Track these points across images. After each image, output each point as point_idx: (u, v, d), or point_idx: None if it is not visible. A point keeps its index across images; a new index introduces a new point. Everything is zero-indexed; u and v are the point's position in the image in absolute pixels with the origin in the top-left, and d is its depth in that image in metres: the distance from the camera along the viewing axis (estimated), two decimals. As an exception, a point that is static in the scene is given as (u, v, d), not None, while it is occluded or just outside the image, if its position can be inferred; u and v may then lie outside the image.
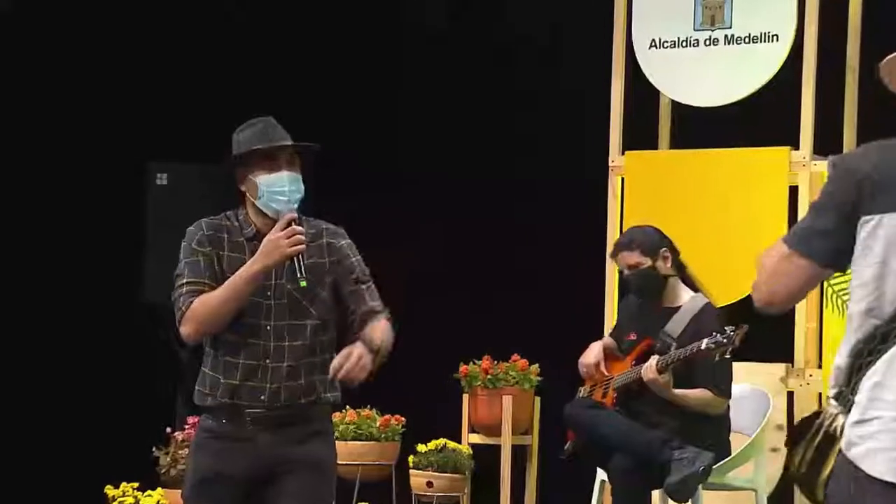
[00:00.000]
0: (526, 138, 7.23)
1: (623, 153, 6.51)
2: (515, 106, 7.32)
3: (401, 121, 7.51)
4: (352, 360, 3.70)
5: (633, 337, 5.54)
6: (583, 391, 5.63)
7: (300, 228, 3.79)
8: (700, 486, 5.30)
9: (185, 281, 3.82)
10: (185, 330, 3.80)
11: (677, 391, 5.35)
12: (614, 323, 5.87)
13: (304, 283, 3.76)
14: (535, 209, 7.24)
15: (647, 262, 5.45)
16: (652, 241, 5.47)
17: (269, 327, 3.82)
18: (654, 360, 5.33)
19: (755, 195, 6.22)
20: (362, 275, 3.90)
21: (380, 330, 3.81)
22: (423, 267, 7.18)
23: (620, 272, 5.63)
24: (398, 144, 7.50)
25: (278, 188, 3.80)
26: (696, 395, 5.36)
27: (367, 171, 7.32)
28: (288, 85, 7.42)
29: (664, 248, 5.47)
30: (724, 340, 5.20)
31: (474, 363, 6.47)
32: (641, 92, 6.51)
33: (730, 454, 5.46)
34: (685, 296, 5.48)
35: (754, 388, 5.75)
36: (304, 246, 3.77)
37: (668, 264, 5.48)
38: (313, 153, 3.91)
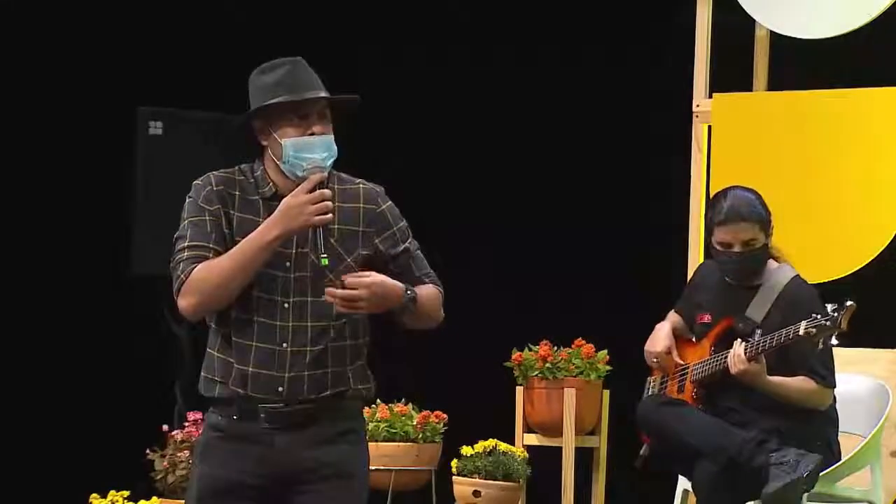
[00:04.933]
0: (591, 87, 7.26)
1: (710, 96, 6.46)
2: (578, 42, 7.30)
3: (443, 96, 7.56)
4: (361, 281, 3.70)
5: (706, 319, 5.48)
6: (652, 383, 5.60)
7: (328, 193, 3.76)
8: (804, 497, 5.20)
9: (186, 244, 3.79)
10: (184, 303, 3.77)
11: (774, 379, 5.27)
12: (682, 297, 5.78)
13: (325, 262, 3.73)
14: (599, 165, 7.22)
15: (762, 239, 5.36)
16: (766, 212, 5.35)
17: (287, 304, 3.79)
18: (740, 345, 5.23)
19: (871, 146, 6.16)
20: (408, 243, 3.88)
21: (425, 290, 3.83)
22: (467, 238, 7.22)
23: (720, 248, 5.42)
24: (441, 114, 7.51)
25: (307, 154, 3.77)
26: (798, 384, 5.29)
27: (412, 129, 7.41)
28: (302, 14, 7.39)
29: (772, 224, 5.38)
30: (826, 323, 5.09)
31: (530, 349, 6.45)
32: (732, 21, 6.45)
33: (840, 458, 5.40)
34: (768, 268, 5.40)
35: (869, 378, 5.71)
36: (330, 216, 3.74)
37: (769, 243, 5.43)
38: (351, 107, 3.86)
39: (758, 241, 5.32)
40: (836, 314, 5.07)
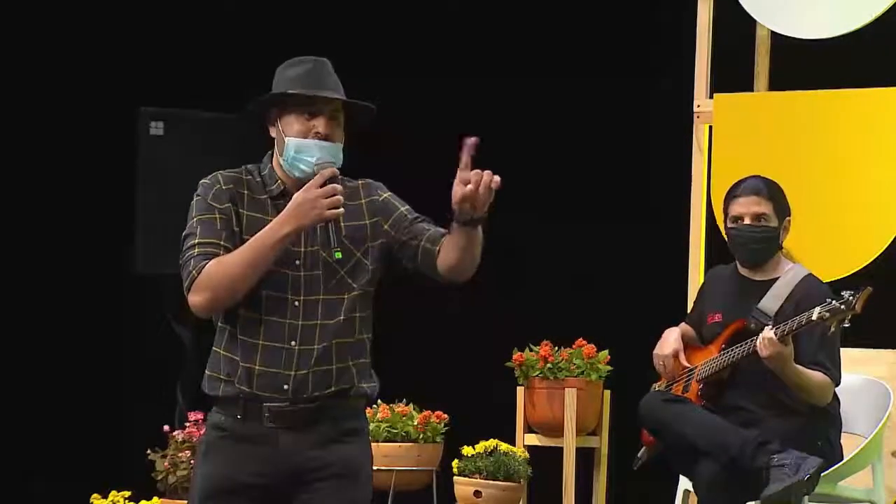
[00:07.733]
0: (587, 85, 7.27)
1: (711, 96, 6.47)
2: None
3: (439, 78, 7.58)
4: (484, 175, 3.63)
5: (717, 318, 5.48)
6: (658, 388, 5.58)
7: (340, 188, 3.75)
8: (805, 498, 5.19)
9: (197, 241, 3.78)
10: (196, 299, 3.75)
11: (799, 368, 5.25)
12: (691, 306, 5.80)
13: (338, 255, 3.74)
14: (600, 165, 7.24)
15: (774, 222, 5.40)
16: (785, 202, 5.42)
17: (297, 303, 3.79)
18: (769, 330, 5.20)
19: (872, 146, 6.17)
20: (416, 215, 3.85)
21: None
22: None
23: (733, 226, 5.45)
24: (441, 114, 7.52)
25: (307, 157, 3.78)
26: (818, 377, 5.28)
27: (412, 130, 7.40)
28: (303, 14, 7.40)
29: (789, 219, 5.44)
30: (842, 306, 5.09)
31: (531, 349, 6.46)
32: (733, 21, 6.45)
33: (841, 459, 5.38)
34: (782, 267, 5.40)
35: (870, 378, 5.67)
36: (342, 210, 3.74)
37: (784, 238, 5.44)
38: (365, 114, 3.87)
39: (769, 220, 5.36)
40: (850, 298, 5.07)
